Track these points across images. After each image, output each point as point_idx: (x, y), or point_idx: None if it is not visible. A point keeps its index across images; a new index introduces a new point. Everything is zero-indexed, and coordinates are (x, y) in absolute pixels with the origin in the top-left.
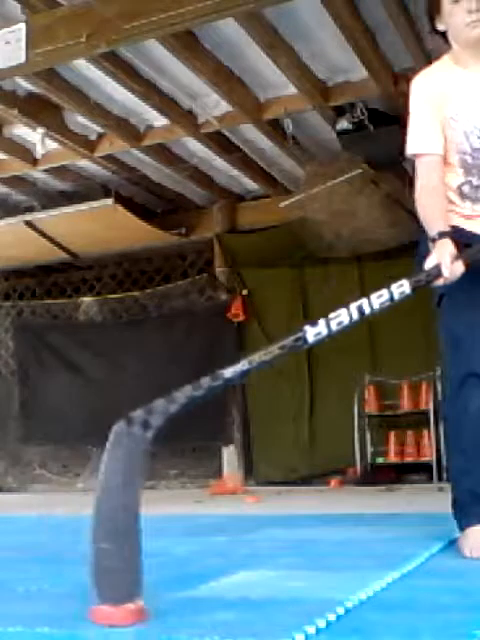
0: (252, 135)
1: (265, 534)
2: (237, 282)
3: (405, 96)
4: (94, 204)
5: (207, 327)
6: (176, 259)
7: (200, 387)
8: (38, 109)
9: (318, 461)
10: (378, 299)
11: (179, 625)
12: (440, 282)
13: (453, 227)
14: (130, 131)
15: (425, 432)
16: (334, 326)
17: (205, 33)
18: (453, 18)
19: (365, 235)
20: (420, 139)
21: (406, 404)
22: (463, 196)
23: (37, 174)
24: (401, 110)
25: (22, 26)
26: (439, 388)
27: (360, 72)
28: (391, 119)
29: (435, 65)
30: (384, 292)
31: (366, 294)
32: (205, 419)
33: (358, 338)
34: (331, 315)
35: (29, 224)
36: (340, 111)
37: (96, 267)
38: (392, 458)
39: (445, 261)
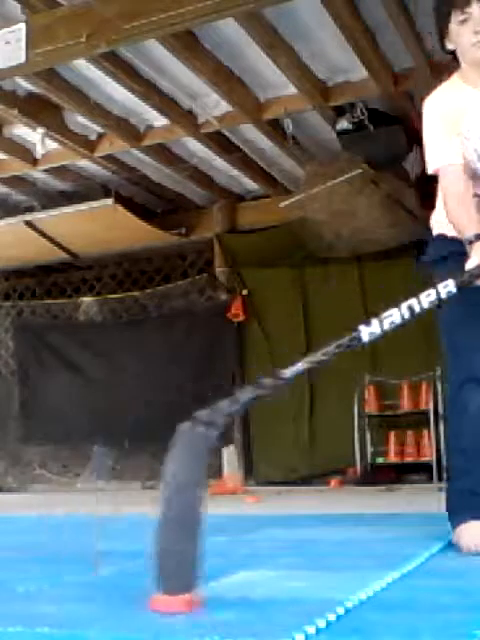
0: (252, 135)
1: (265, 534)
2: (237, 282)
3: (405, 96)
4: (94, 204)
5: (207, 327)
6: (176, 259)
7: (262, 386)
8: (38, 109)
9: (318, 461)
10: (427, 298)
11: (179, 625)
12: None
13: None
14: (130, 131)
15: (425, 432)
16: (387, 325)
17: (205, 33)
18: (460, 38)
19: (365, 235)
20: (439, 153)
21: (406, 404)
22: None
23: (37, 174)
24: (401, 110)
25: (22, 26)
26: (439, 388)
27: (360, 72)
28: (391, 119)
29: (445, 84)
30: (432, 292)
31: (366, 294)
32: None
33: None
34: (384, 314)
35: (29, 224)
36: (340, 111)
37: (96, 267)
38: (392, 458)
39: None
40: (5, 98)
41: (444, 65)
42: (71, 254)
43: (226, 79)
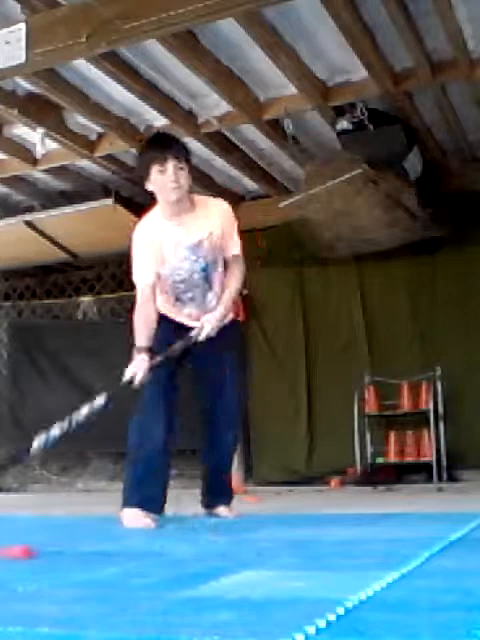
0: (252, 135)
1: (265, 534)
2: None
3: (405, 96)
4: (94, 204)
5: None
6: None
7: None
8: (38, 109)
9: (318, 461)
10: (83, 412)
11: (179, 625)
12: (136, 383)
13: (171, 319)
14: (130, 131)
15: (425, 432)
16: (68, 427)
17: (205, 33)
18: (159, 183)
19: (365, 235)
20: (141, 273)
21: (406, 404)
22: (173, 306)
23: (37, 174)
24: (401, 110)
25: (22, 26)
26: (439, 388)
27: (360, 72)
28: (391, 119)
29: (150, 217)
30: (90, 404)
31: (365, 294)
32: None
33: (358, 338)
34: (68, 418)
35: (29, 224)
36: (340, 111)
37: (96, 267)
38: (392, 458)
39: (139, 371)
40: (5, 98)
41: (444, 65)
42: (71, 254)
43: (226, 79)
